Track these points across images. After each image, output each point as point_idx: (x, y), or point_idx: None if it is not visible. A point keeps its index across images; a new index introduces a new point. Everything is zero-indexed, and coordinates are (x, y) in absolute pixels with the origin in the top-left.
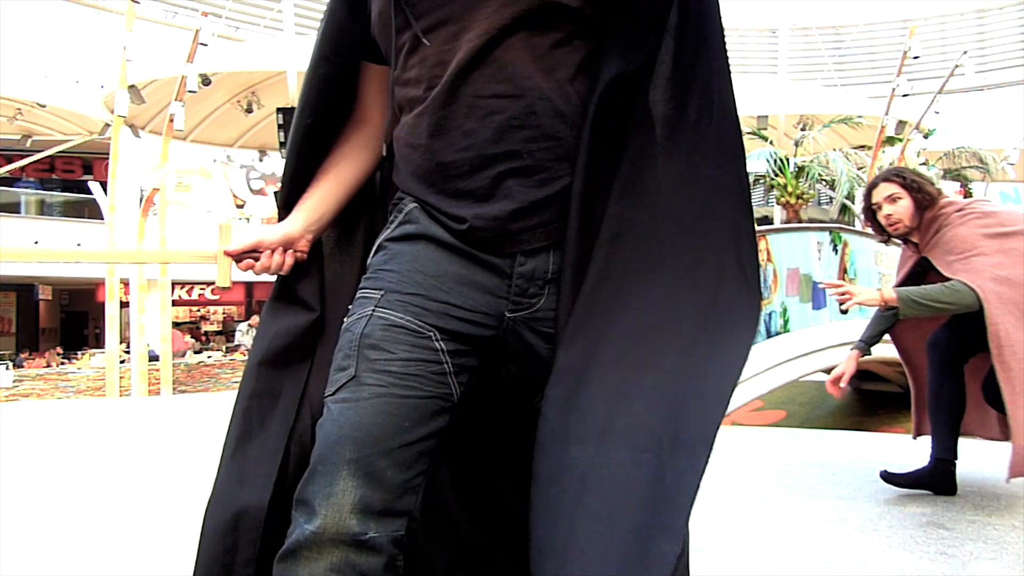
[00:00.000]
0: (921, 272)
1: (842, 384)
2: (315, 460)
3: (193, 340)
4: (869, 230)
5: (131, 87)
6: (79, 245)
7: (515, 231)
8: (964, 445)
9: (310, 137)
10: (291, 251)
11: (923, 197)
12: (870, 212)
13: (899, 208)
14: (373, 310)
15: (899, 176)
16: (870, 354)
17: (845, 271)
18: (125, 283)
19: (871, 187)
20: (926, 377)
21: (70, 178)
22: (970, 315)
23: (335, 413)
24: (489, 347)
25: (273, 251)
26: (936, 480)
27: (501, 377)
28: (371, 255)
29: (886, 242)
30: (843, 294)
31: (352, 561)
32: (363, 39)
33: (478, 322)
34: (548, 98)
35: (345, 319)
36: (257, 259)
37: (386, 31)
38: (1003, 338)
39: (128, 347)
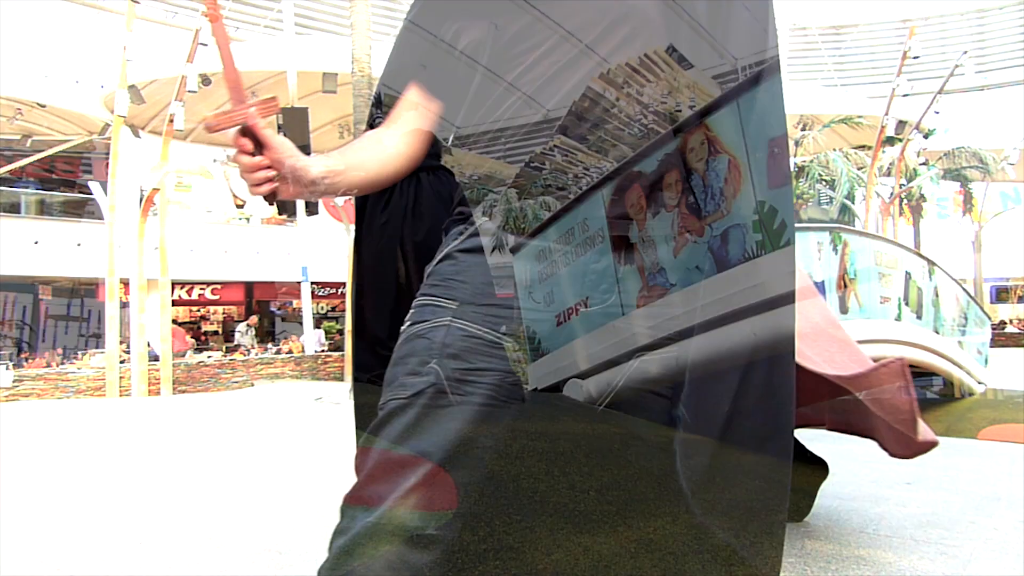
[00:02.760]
0: None
1: None
2: (386, 459)
3: (192, 340)
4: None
5: (131, 87)
6: (79, 245)
7: None
8: (968, 445)
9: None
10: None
11: None
12: None
13: None
14: (451, 321)
15: None
16: None
17: (845, 271)
18: (125, 283)
19: None
20: None
21: (70, 178)
22: None
23: (410, 417)
24: None
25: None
26: None
27: None
28: (435, 262)
29: None
30: None
31: (406, 557)
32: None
33: None
34: None
35: (409, 323)
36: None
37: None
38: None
39: (128, 347)
